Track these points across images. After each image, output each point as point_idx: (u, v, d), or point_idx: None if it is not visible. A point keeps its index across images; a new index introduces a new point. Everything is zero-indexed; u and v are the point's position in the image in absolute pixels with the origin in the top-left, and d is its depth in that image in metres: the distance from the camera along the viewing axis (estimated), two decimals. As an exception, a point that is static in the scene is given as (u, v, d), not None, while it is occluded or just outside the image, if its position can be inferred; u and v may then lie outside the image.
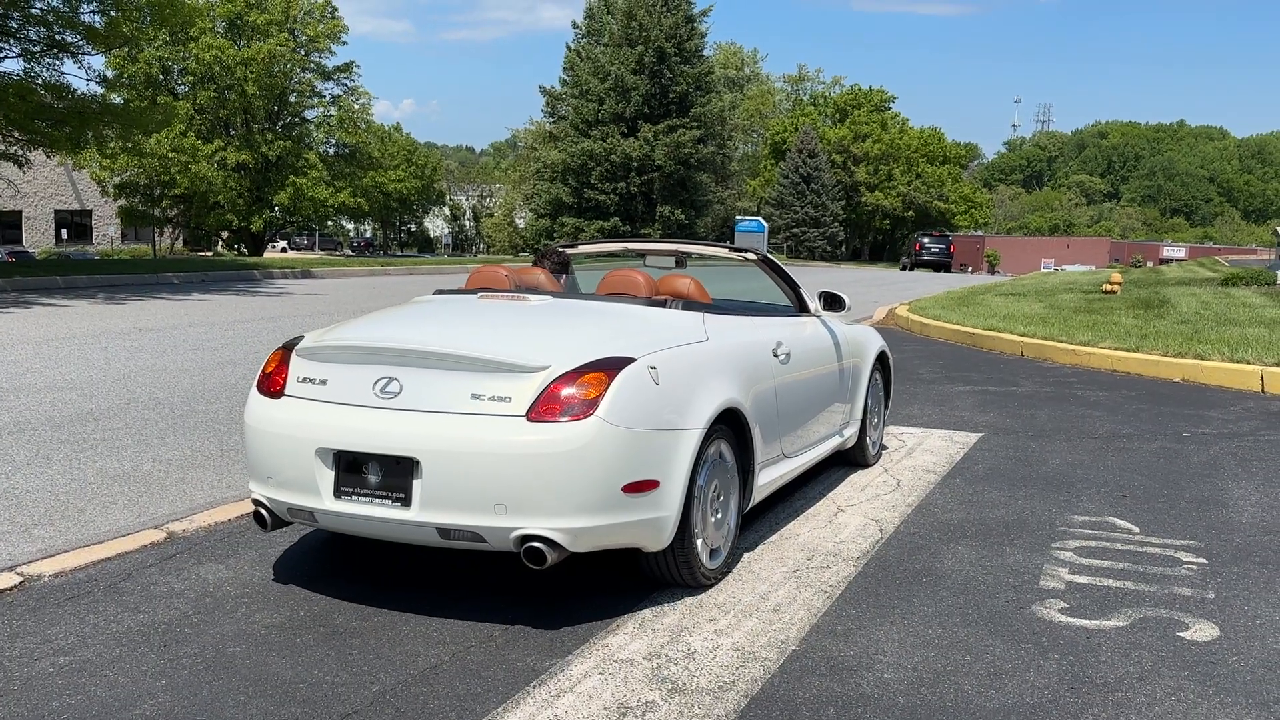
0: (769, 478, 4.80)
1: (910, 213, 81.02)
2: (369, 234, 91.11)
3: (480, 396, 3.68)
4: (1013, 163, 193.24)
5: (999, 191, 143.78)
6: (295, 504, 3.90)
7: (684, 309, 4.48)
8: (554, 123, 61.59)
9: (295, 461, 3.85)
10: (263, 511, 4.03)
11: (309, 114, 51.35)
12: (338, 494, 3.81)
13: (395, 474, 3.71)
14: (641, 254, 5.84)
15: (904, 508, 5.55)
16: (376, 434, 3.70)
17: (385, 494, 3.73)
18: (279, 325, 13.24)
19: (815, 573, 4.48)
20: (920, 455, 6.82)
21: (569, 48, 59.80)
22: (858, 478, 6.18)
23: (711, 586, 4.21)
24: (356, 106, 52.79)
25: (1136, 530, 5.18)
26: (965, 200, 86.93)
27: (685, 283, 4.88)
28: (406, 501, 3.70)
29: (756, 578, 4.39)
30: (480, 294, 4.66)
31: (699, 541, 4.13)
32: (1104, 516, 5.43)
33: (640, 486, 3.74)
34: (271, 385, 4.08)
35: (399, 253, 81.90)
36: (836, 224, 73.07)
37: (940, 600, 4.17)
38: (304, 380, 3.98)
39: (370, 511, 3.75)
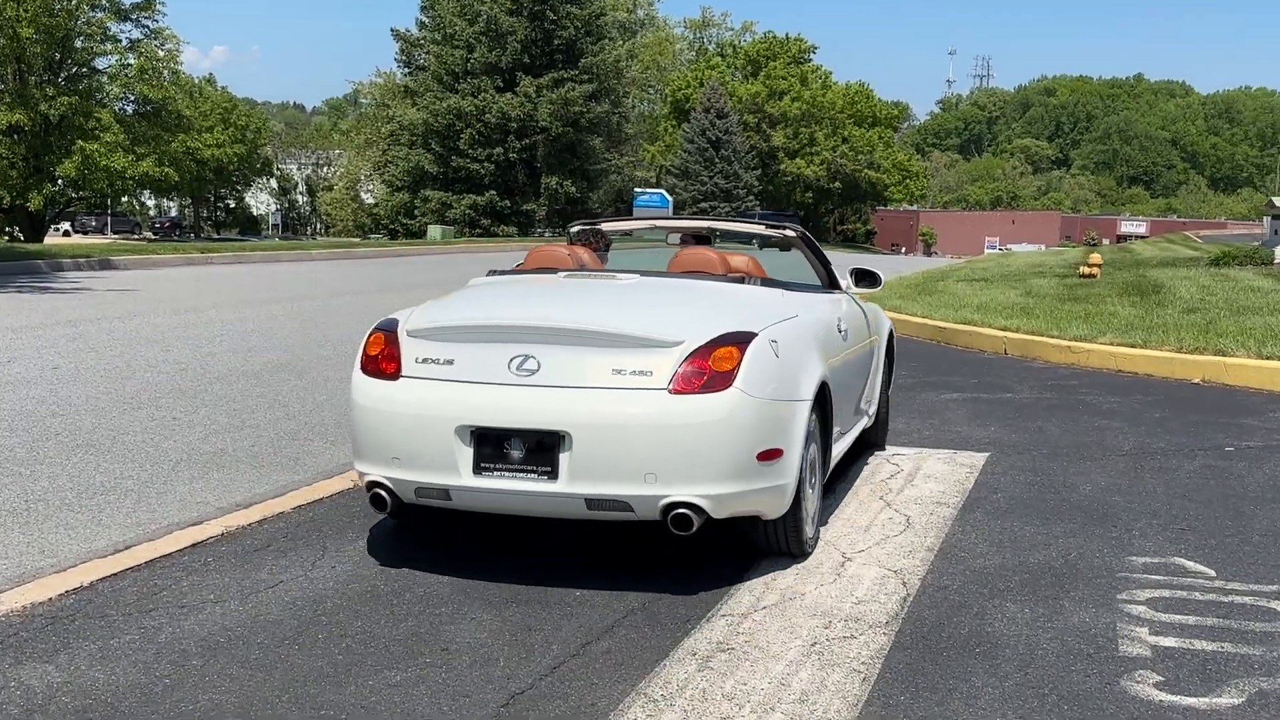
0: (836, 452, 5.64)
1: (836, 184, 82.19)
2: (174, 213, 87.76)
3: (622, 371, 4.41)
4: (948, 125, 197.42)
5: (933, 159, 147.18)
6: (428, 483, 4.55)
7: (762, 285, 5.46)
8: (410, 74, 60.58)
9: (430, 440, 4.48)
10: (382, 493, 4.68)
11: (100, 63, 49.35)
12: (477, 470, 4.47)
13: (541, 448, 4.40)
14: (674, 230, 6.78)
15: (924, 552, 5.34)
16: (520, 410, 4.38)
17: (530, 468, 4.41)
18: (83, 333, 12.48)
19: (839, 645, 4.21)
20: (923, 483, 6.65)
21: (427, -18, 58.76)
22: (855, 514, 5.96)
23: (809, 556, 5.10)
24: (161, 54, 51.02)
25: (1212, 574, 5.06)
26: (900, 169, 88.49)
27: (743, 260, 5.84)
28: (554, 474, 4.39)
29: (768, 655, 4.10)
30: (564, 274, 5.51)
31: (804, 510, 4.98)
32: (1168, 557, 5.30)
33: (770, 454, 4.55)
34: (384, 367, 4.70)
35: (215, 235, 79.24)
36: (751, 196, 73.63)
37: (1005, 677, 3.94)
38: (424, 361, 4.61)
39: (514, 486, 4.43)
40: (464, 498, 4.56)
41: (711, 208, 72.42)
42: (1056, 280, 20.48)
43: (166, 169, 50.75)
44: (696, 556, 5.19)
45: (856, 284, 6.67)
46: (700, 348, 4.47)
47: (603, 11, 58.10)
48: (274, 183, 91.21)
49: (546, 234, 55.75)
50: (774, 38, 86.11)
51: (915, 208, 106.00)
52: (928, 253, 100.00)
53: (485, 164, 54.45)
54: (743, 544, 5.22)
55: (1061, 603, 4.70)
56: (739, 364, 4.47)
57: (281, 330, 13.20)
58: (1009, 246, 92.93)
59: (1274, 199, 22.90)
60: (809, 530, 5.10)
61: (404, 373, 4.65)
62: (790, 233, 6.73)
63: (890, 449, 7.54)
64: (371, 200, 77.81)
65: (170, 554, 5.13)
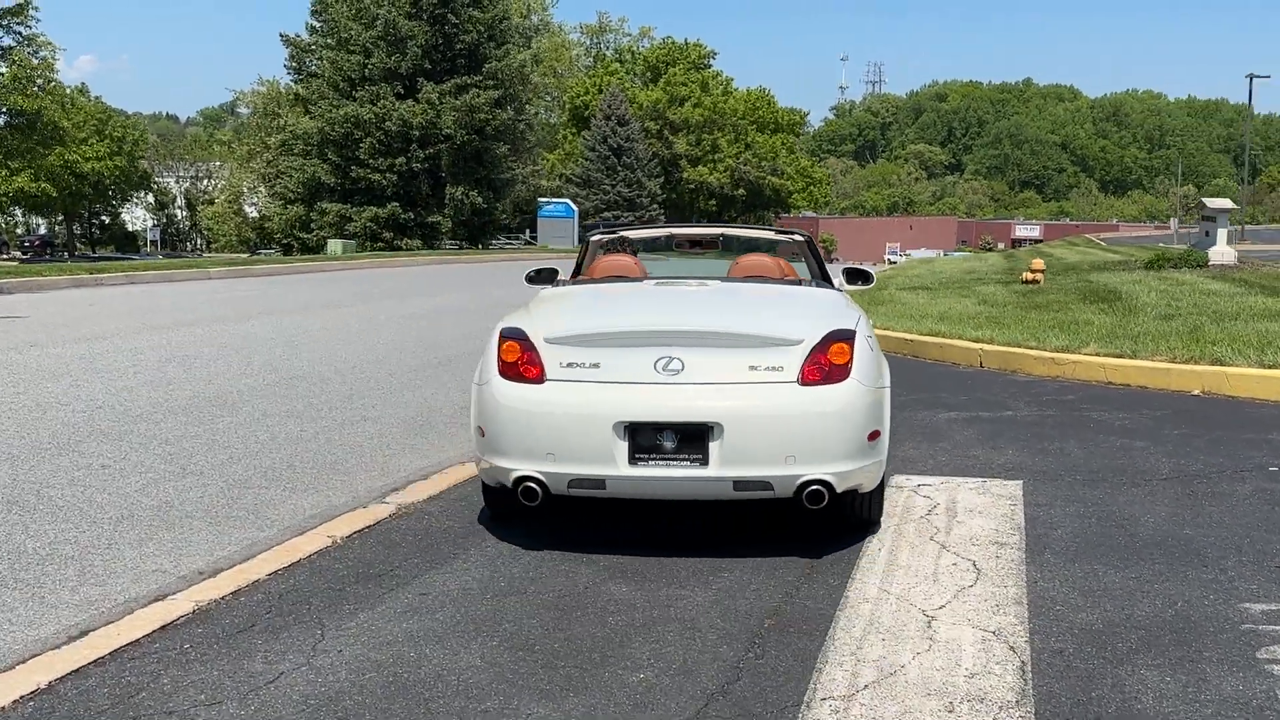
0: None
1: (741, 191, 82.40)
2: (43, 230, 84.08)
3: (757, 368, 5.14)
4: (842, 131, 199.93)
5: (829, 165, 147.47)
6: (583, 474, 5.13)
7: (818, 287, 6.42)
8: (301, 81, 58.98)
9: (588, 436, 5.08)
10: (534, 486, 5.20)
11: (-31, 72, 47.10)
12: (633, 461, 5.08)
13: (691, 438, 5.06)
14: (687, 238, 7.61)
15: (1013, 607, 4.76)
16: (672, 406, 5.05)
17: (683, 456, 5.07)
18: (-23, 363, 11.40)
19: (978, 736, 3.60)
20: (969, 519, 6.10)
21: (318, -15, 57.22)
22: (912, 560, 5.38)
23: (879, 529, 5.80)
24: (35, 62, 48.90)
25: (1344, 621, 4.57)
26: (803, 175, 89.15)
27: (772, 263, 6.73)
28: (705, 461, 5.06)
29: (901, 754, 3.47)
30: (655, 282, 6.36)
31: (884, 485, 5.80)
32: (1284, 602, 4.80)
33: (874, 435, 5.28)
34: (526, 373, 5.29)
35: (92, 254, 76.22)
36: (655, 205, 73.31)
37: (1190, 772, 3.36)
38: (570, 365, 5.24)
39: (668, 473, 5.08)
40: (619, 485, 5.15)
41: (615, 217, 71.92)
42: (1003, 287, 20.29)
43: (43, 184, 48.62)
44: (724, 613, 4.55)
45: (849, 282, 7.19)
46: (818, 344, 5.25)
47: (505, 15, 57.06)
48: (151, 197, 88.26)
49: (452, 246, 54.56)
50: (673, 43, 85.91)
51: (815, 214, 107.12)
52: (829, 260, 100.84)
53: (387, 174, 53.01)
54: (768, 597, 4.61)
55: (1200, 667, 4.16)
56: (851, 358, 5.27)
57: (200, 358, 12.24)
58: (909, 252, 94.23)
59: (1205, 200, 23.03)
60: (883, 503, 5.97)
61: (550, 377, 5.26)
62: (799, 237, 7.49)
63: (912, 478, 6.99)
64: (256, 213, 75.75)
65: (138, 640, 4.36)
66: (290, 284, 26.80)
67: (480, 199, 56.55)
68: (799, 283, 6.51)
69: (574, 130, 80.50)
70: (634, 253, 7.32)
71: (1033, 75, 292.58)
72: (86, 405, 9.22)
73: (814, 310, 5.75)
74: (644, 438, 5.09)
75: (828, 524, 5.89)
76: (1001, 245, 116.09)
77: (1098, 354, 10.80)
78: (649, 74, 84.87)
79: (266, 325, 16.06)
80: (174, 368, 11.46)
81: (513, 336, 5.42)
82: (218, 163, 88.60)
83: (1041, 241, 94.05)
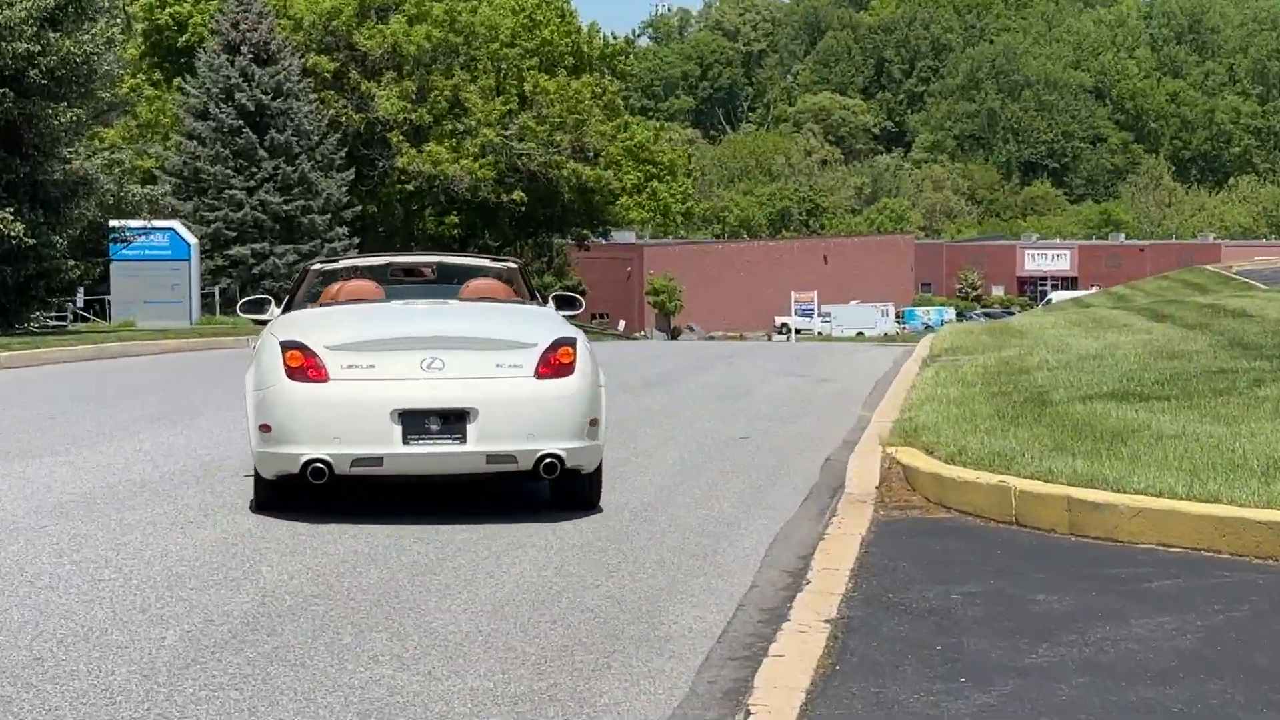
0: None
1: (513, 195, 44.90)
2: None
3: (502, 365, 7.07)
4: (666, 71, 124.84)
5: (670, 136, 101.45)
6: (365, 454, 6.88)
7: (539, 306, 8.32)
8: None
9: (369, 422, 6.86)
10: (321, 466, 6.81)
11: None
12: (405, 441, 6.89)
13: (452, 421, 6.94)
14: (404, 267, 9.27)
15: None
16: (436, 395, 6.96)
17: (446, 436, 6.94)
18: None
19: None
20: None
21: None
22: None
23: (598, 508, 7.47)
24: None
25: None
26: (642, 158, 51.54)
27: (498, 286, 8.54)
28: (464, 439, 6.94)
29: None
30: (402, 302, 8.24)
31: (601, 472, 7.59)
32: None
33: (594, 422, 7.23)
34: (313, 374, 6.97)
35: None
36: (342, 226, 40.40)
37: None
38: (350, 366, 6.99)
39: (435, 449, 6.94)
40: (394, 463, 6.93)
41: (254, 265, 37.98)
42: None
43: None
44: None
45: (559, 309, 8.25)
46: (549, 346, 7.13)
47: None
48: None
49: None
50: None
51: (640, 238, 68.05)
52: (670, 331, 62.77)
53: None
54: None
55: None
56: (575, 358, 7.16)
57: None
58: (829, 313, 65.85)
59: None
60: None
61: (333, 377, 6.94)
62: (512, 264, 9.23)
63: None
64: None
65: None
66: None
67: (21, 227, 28.02)
68: (523, 302, 8.38)
69: (161, 73, 44.42)
70: (376, 278, 8.70)
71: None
72: None
73: (541, 322, 7.61)
74: (414, 422, 6.86)
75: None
76: (1000, 290, 78.69)
77: None
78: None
79: None
80: None
81: (294, 346, 7.02)
82: None
83: (1076, 282, 64.42)
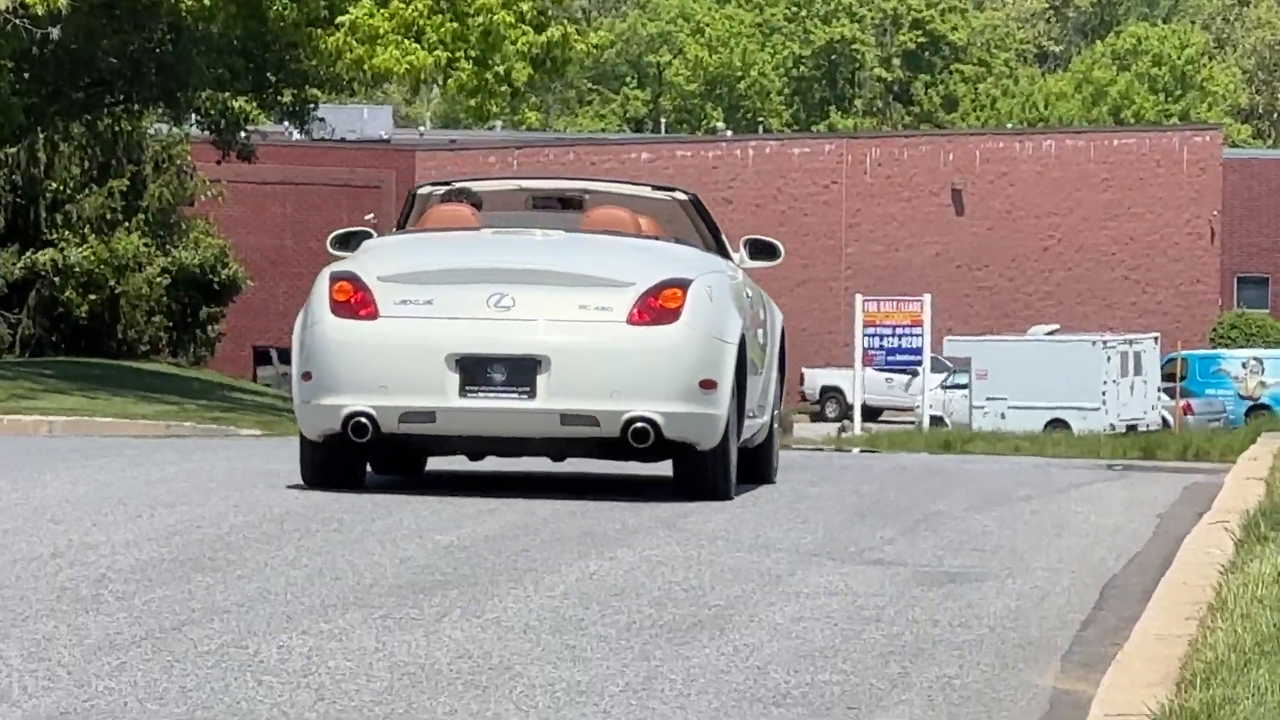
0: (745, 428, 6.91)
1: None
2: None
3: (586, 307, 6.21)
4: None
5: None
6: (415, 406, 6.10)
7: (676, 243, 7.15)
8: None
9: (419, 369, 6.11)
10: (365, 421, 6.02)
11: None
12: (463, 393, 6.10)
13: (520, 371, 6.10)
14: (542, 194, 7.96)
15: None
16: (502, 339, 6.14)
17: (511, 389, 6.10)
18: None
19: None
20: None
21: None
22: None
23: (732, 500, 6.37)
24: None
25: None
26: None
27: (647, 221, 7.20)
28: (532, 393, 6.09)
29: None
30: (492, 230, 7.00)
31: (731, 455, 6.37)
32: None
33: (708, 384, 6.18)
34: (359, 310, 6.22)
35: None
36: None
37: None
38: (404, 302, 6.25)
39: (497, 404, 6.13)
40: (448, 419, 6.10)
41: None
42: None
43: None
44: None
45: (751, 257, 7.56)
46: (651, 288, 6.19)
47: None
48: None
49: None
50: None
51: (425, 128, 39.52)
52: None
53: None
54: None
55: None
56: (683, 304, 6.17)
57: None
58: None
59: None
60: (734, 478, 6.51)
61: (383, 313, 6.18)
62: (681, 195, 7.87)
63: None
64: None
65: None
66: None
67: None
68: (657, 238, 7.06)
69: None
70: (476, 205, 7.61)
71: None
72: None
73: (657, 260, 6.54)
74: (474, 370, 6.08)
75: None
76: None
77: None
78: None
79: None
80: None
81: (344, 278, 6.29)
82: None
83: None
